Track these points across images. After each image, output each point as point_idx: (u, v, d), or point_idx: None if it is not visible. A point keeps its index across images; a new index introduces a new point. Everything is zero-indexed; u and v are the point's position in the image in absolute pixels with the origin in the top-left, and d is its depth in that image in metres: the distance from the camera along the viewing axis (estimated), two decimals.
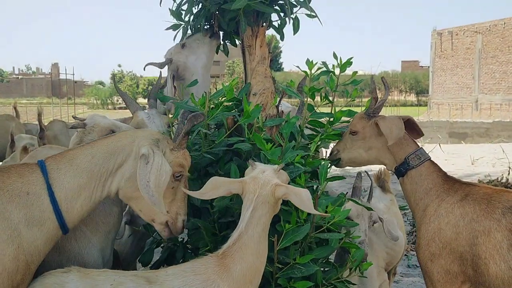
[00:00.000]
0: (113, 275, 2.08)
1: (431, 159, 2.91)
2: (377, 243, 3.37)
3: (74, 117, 3.15)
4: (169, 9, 3.59)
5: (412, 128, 3.09)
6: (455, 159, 13.98)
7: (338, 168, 3.36)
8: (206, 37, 3.67)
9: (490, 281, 2.47)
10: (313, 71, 2.97)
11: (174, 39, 3.75)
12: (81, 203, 2.16)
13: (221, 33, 3.69)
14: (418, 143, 3.04)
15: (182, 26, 3.66)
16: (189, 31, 3.74)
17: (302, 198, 2.11)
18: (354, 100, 3.20)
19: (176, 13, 3.58)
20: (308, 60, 2.91)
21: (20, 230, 1.98)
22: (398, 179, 2.97)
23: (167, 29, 3.70)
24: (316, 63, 2.97)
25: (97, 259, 2.52)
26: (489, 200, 2.58)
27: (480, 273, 2.49)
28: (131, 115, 3.15)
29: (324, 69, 3.11)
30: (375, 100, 2.98)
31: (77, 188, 2.13)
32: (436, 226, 2.66)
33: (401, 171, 2.90)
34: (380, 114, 3.02)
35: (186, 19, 3.61)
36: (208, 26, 3.66)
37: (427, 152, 2.94)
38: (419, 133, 3.13)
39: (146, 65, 3.89)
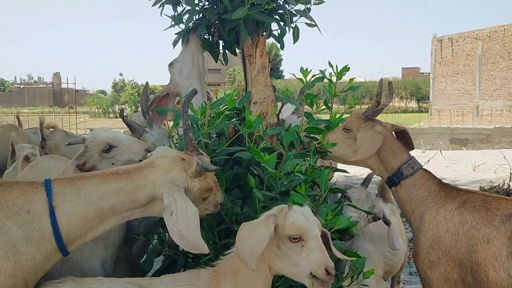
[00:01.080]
0: (107, 283, 2.11)
1: (423, 167, 2.90)
2: (374, 252, 3.35)
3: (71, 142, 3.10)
4: (170, 16, 3.62)
5: (405, 139, 3.10)
6: (456, 165, 13.97)
7: (341, 173, 3.37)
8: (184, 49, 3.70)
9: None
10: (308, 78, 2.98)
11: (174, 46, 3.78)
12: (86, 231, 2.12)
13: (210, 40, 3.71)
14: (419, 148, 3.04)
15: (181, 32, 3.68)
16: None
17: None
18: (353, 107, 3.21)
19: (177, 20, 3.60)
20: (302, 68, 2.92)
21: (18, 247, 1.95)
22: (390, 188, 2.95)
23: (165, 29, 3.74)
24: (311, 70, 2.98)
25: (99, 270, 2.54)
26: (488, 207, 2.58)
27: (480, 281, 2.49)
28: None
29: (319, 75, 3.12)
30: (377, 103, 2.98)
31: (83, 219, 2.08)
32: (435, 234, 2.66)
33: (394, 180, 2.89)
34: (376, 118, 3.02)
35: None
36: (207, 35, 3.68)
37: (418, 161, 2.92)
38: (410, 146, 3.11)
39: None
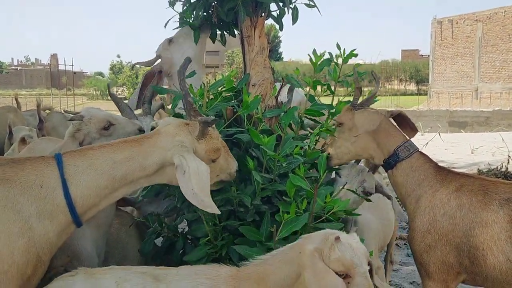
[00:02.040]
0: (119, 272, 2.08)
1: (420, 150, 2.89)
2: (374, 221, 3.35)
3: (66, 111, 3.14)
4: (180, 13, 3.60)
5: (404, 123, 3.09)
6: (454, 148, 13.99)
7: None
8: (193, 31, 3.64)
9: (488, 272, 2.48)
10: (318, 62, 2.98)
11: (165, 26, 3.74)
12: (99, 200, 2.15)
13: (218, 24, 3.67)
14: (418, 132, 3.04)
15: (172, 17, 3.65)
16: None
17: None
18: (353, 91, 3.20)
19: (173, 3, 3.57)
20: (314, 50, 2.91)
21: (31, 223, 1.97)
22: (387, 172, 2.94)
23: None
24: (323, 53, 2.97)
25: (91, 250, 2.57)
26: (485, 191, 2.58)
27: (477, 264, 2.50)
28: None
29: (326, 57, 3.11)
30: (359, 90, 2.96)
31: (96, 188, 2.12)
32: (431, 217, 2.65)
33: (390, 163, 2.88)
34: (370, 107, 3.00)
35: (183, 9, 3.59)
36: (205, 15, 3.64)
37: (414, 144, 2.91)
38: (413, 129, 3.10)
39: (134, 64, 3.93)
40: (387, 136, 2.90)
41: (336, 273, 1.80)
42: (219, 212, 2.19)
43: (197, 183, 2.13)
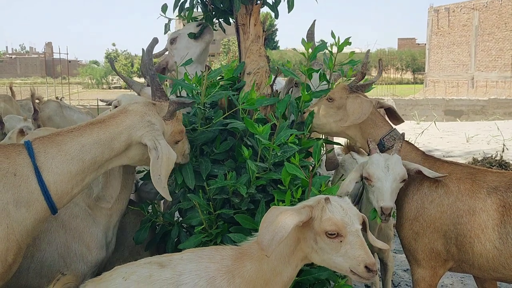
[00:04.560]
0: (124, 269, 2.11)
1: (405, 139, 2.89)
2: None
3: (102, 100, 3.18)
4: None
5: (392, 115, 3.15)
6: (450, 136, 14.02)
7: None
8: (194, 40, 3.59)
9: (474, 260, 2.50)
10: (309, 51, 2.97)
11: (165, 33, 3.72)
12: (72, 186, 2.15)
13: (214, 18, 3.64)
14: (414, 120, 3.05)
15: (170, 21, 3.61)
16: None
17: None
18: (350, 79, 3.20)
19: (165, 7, 3.54)
20: (303, 40, 2.90)
21: (9, 211, 1.97)
22: None
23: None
24: (312, 43, 2.96)
25: (101, 239, 2.57)
26: (473, 179, 2.59)
27: (464, 252, 2.52)
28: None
29: (319, 45, 3.11)
30: (362, 74, 2.95)
31: (68, 174, 2.11)
32: (419, 205, 2.67)
33: None
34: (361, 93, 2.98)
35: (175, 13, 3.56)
36: (200, 4, 3.61)
37: (402, 132, 2.91)
38: (399, 120, 3.17)
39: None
40: (374, 126, 2.92)
41: (329, 234, 1.88)
42: (171, 199, 2.25)
43: (165, 170, 2.20)
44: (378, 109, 3.06)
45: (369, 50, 3.06)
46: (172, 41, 3.67)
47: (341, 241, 1.87)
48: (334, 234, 1.88)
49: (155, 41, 2.54)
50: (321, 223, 1.90)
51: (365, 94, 3.02)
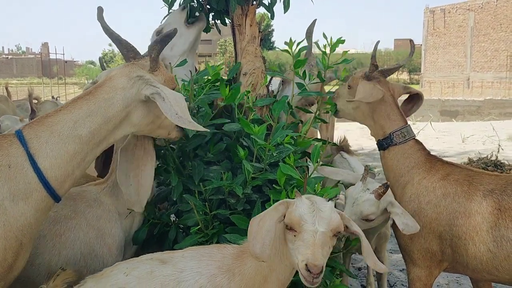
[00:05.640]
0: (125, 265, 2.10)
1: (416, 138, 2.91)
2: None
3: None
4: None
5: (413, 103, 3.14)
6: (446, 137, 14.07)
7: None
8: (182, 27, 3.51)
9: (469, 262, 2.51)
10: (295, 49, 2.95)
11: (161, 22, 3.71)
12: (72, 168, 2.05)
13: (210, 15, 3.64)
14: (410, 120, 3.06)
15: (168, 14, 3.61)
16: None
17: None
18: (344, 80, 3.21)
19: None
20: (290, 39, 2.89)
21: (5, 207, 1.87)
22: (379, 151, 2.97)
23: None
24: (295, 41, 2.94)
25: (121, 240, 2.57)
26: (470, 182, 2.59)
27: (459, 253, 2.53)
28: None
29: (304, 44, 3.11)
30: (375, 66, 2.96)
31: (65, 155, 2.01)
32: (416, 205, 2.68)
33: (383, 145, 2.91)
34: (383, 79, 2.98)
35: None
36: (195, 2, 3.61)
37: (413, 131, 2.92)
38: (412, 110, 3.17)
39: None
40: (386, 118, 2.91)
41: (286, 225, 1.90)
42: (207, 130, 2.15)
43: (178, 107, 2.08)
44: (404, 94, 3.08)
45: (378, 41, 3.06)
46: (159, 32, 3.57)
47: (295, 236, 1.88)
48: (291, 227, 1.89)
49: (100, 9, 2.38)
50: (286, 215, 1.93)
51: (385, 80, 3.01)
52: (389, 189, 2.64)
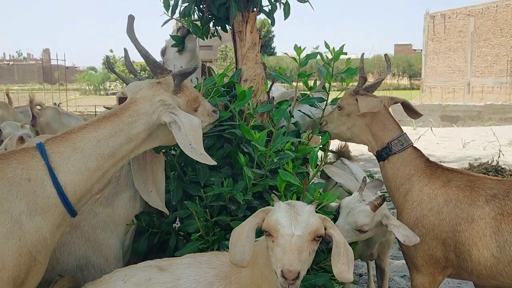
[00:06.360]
0: (123, 272, 2.11)
1: (414, 145, 2.92)
2: None
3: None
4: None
5: (409, 109, 3.16)
6: (446, 142, 14.07)
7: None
8: (179, 54, 3.57)
9: (473, 267, 2.50)
10: (302, 56, 2.98)
11: (161, 26, 3.71)
12: (92, 184, 2.07)
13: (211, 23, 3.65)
14: (410, 125, 3.07)
15: (168, 20, 3.61)
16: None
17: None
18: (348, 87, 3.21)
19: (167, 3, 3.54)
20: (296, 45, 2.91)
21: (22, 222, 1.85)
22: (379, 162, 2.98)
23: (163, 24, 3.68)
24: (304, 48, 2.97)
25: (118, 250, 2.58)
26: (472, 187, 2.59)
27: (463, 259, 2.52)
28: None
29: (311, 52, 3.12)
30: (363, 79, 2.97)
31: (86, 172, 2.03)
32: (418, 212, 2.68)
33: (382, 155, 2.91)
34: (371, 93, 3.01)
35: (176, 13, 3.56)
36: (197, 12, 3.62)
37: (410, 138, 2.93)
38: (417, 113, 3.20)
39: None
40: (383, 128, 2.92)
41: (264, 230, 1.90)
42: (215, 163, 2.19)
43: (193, 137, 2.13)
44: (392, 105, 3.09)
45: (363, 54, 3.07)
46: (163, 52, 3.68)
47: (273, 241, 1.86)
48: (267, 232, 1.89)
49: (131, 18, 2.37)
50: (265, 220, 1.93)
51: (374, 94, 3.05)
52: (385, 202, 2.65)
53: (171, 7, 3.51)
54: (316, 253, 2.23)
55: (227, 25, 3.61)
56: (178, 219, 2.94)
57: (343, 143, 4.39)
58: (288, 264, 1.76)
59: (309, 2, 3.51)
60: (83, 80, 61.44)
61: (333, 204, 2.90)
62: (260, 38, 3.37)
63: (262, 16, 3.54)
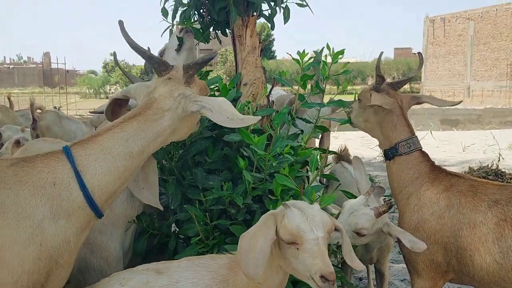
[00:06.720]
0: (121, 275, 2.11)
1: (422, 149, 2.91)
2: None
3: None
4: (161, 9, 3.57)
5: (436, 102, 3.13)
6: (446, 146, 14.07)
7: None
8: (177, 54, 3.57)
9: (475, 273, 2.49)
10: (304, 60, 2.99)
11: (161, 35, 3.73)
12: (120, 184, 2.07)
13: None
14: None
15: (169, 27, 3.62)
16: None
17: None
18: (346, 89, 3.23)
19: (165, 11, 3.55)
20: (299, 52, 2.93)
21: (43, 227, 1.83)
22: (385, 161, 2.99)
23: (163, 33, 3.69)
24: (308, 53, 2.99)
25: (118, 251, 2.57)
26: (474, 192, 2.58)
27: (465, 264, 2.51)
28: None
29: (314, 58, 3.13)
30: (381, 78, 2.99)
31: (115, 172, 2.02)
32: (420, 216, 2.67)
33: (388, 155, 2.92)
34: (391, 91, 3.00)
35: (175, 20, 3.57)
36: (197, 16, 3.63)
37: (419, 142, 2.92)
38: (445, 102, 3.20)
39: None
40: (393, 128, 2.92)
41: (285, 241, 1.86)
42: (259, 118, 2.22)
43: (227, 111, 2.14)
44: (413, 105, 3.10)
45: (382, 52, 3.11)
46: (161, 54, 3.68)
47: (297, 249, 1.83)
48: (288, 241, 1.85)
49: (121, 23, 2.34)
50: (279, 231, 1.89)
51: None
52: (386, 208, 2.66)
53: (171, 13, 3.53)
54: None
55: (227, 29, 3.63)
56: (175, 223, 2.95)
57: (343, 146, 4.42)
58: (325, 267, 1.76)
59: (308, 6, 3.53)
60: (83, 83, 61.51)
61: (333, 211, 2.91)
62: (260, 42, 3.38)
63: (262, 20, 3.56)
